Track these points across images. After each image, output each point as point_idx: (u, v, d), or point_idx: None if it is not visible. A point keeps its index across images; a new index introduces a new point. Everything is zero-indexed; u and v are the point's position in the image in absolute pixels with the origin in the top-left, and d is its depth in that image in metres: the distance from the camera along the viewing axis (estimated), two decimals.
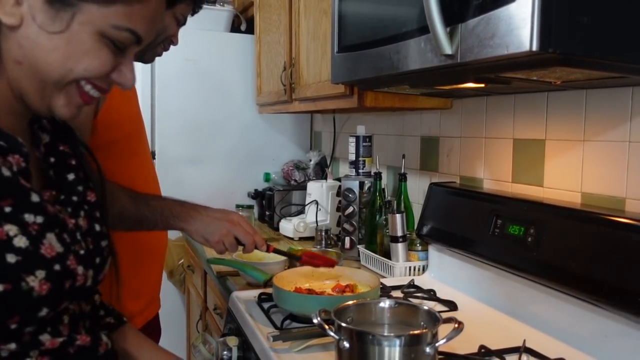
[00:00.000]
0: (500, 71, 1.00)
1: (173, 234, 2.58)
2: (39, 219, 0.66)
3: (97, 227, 0.80)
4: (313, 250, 1.77)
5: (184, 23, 1.45)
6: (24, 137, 0.73)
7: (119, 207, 1.20)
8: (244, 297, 1.43)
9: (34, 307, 0.64)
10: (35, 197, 0.66)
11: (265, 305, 1.35)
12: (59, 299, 0.67)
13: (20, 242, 0.63)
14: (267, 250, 1.32)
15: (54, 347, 0.68)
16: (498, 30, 0.85)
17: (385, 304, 1.00)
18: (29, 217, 0.65)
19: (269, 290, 1.40)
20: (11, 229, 0.62)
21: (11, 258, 0.61)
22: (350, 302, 0.98)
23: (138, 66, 2.51)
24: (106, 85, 0.72)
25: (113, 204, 1.17)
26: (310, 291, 1.36)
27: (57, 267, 0.66)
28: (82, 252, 0.72)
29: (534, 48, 0.79)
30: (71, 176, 0.80)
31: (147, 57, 1.41)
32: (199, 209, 1.30)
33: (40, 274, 0.63)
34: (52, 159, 0.78)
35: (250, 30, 2.70)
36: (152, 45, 1.37)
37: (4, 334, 0.63)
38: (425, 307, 0.95)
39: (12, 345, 0.64)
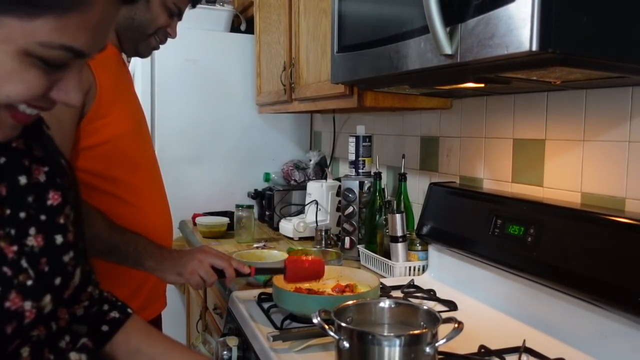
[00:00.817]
0: (500, 71, 1.00)
1: (173, 234, 2.58)
2: None
3: (59, 240, 0.69)
4: (313, 250, 1.77)
5: (179, 14, 1.39)
6: None
7: (94, 231, 1.12)
8: (244, 297, 1.43)
9: None
10: None
11: (265, 305, 1.35)
12: (4, 344, 0.60)
13: None
14: (250, 274, 1.29)
15: None
16: (498, 30, 0.85)
17: (385, 304, 1.00)
18: None
19: (268, 290, 1.40)
20: None
21: None
22: (350, 302, 0.98)
23: (138, 67, 2.51)
24: (46, 103, 0.59)
25: (89, 226, 1.04)
26: (310, 291, 1.36)
27: None
28: (29, 282, 0.62)
29: (534, 48, 0.79)
30: (23, 179, 0.68)
31: (141, 50, 1.39)
32: (172, 251, 1.28)
33: None
34: (3, 159, 0.67)
35: (250, 30, 2.70)
36: (142, 38, 1.36)
37: None
38: (425, 307, 0.95)
39: None
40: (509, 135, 1.46)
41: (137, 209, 1.36)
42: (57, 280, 0.67)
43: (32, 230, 0.66)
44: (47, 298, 0.65)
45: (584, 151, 1.23)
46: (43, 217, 0.68)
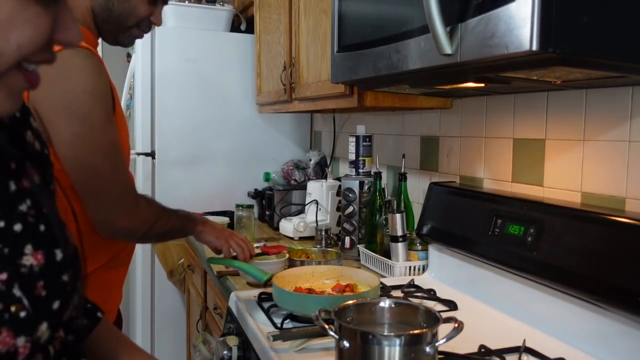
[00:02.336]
0: (500, 71, 1.00)
1: None
2: None
3: (59, 255, 0.60)
4: (313, 250, 1.77)
5: (156, 3, 1.33)
6: None
7: (170, 225, 1.32)
8: (244, 297, 1.43)
9: None
10: None
11: (265, 305, 1.35)
12: None
13: None
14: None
15: None
16: (498, 30, 0.85)
17: (385, 303, 0.99)
18: None
19: (269, 290, 1.40)
20: None
21: None
22: (350, 302, 0.98)
23: (138, 66, 2.51)
24: (50, 54, 0.53)
25: (167, 223, 1.32)
26: (310, 291, 1.36)
27: None
28: (22, 314, 0.54)
29: (534, 48, 0.79)
30: (12, 186, 0.58)
31: (121, 40, 1.34)
32: (205, 218, 1.51)
33: None
34: None
35: (250, 29, 2.70)
36: (121, 29, 1.30)
37: None
38: (425, 307, 0.95)
39: None
40: (509, 135, 1.46)
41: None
42: (56, 305, 0.59)
43: (28, 248, 0.57)
44: (44, 326, 0.57)
45: (584, 151, 1.23)
46: (42, 228, 0.60)
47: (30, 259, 0.57)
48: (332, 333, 0.88)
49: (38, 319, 0.56)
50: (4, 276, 0.54)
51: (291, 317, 1.26)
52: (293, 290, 1.35)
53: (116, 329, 0.90)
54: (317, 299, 1.25)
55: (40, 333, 0.57)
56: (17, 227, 0.57)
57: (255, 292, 1.44)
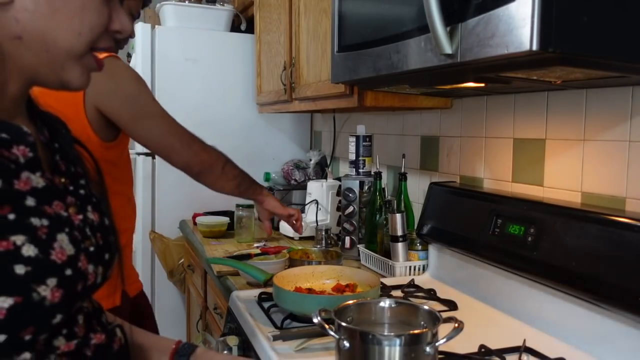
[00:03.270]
0: (500, 71, 1.00)
1: (172, 233, 2.58)
2: (45, 222, 0.62)
3: (106, 221, 0.76)
4: (313, 250, 1.77)
5: (138, 17, 1.63)
6: (25, 122, 0.70)
7: (241, 173, 1.61)
8: (244, 297, 1.43)
9: (47, 316, 0.61)
10: (31, 201, 0.62)
11: (266, 305, 1.35)
12: (72, 303, 0.64)
13: (29, 250, 0.59)
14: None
15: (69, 349, 0.66)
16: (498, 29, 0.85)
17: (386, 303, 0.99)
18: (35, 222, 0.61)
19: (269, 289, 1.40)
20: (18, 238, 0.58)
21: (20, 269, 0.58)
22: (351, 302, 0.98)
23: (138, 66, 2.53)
24: (111, 42, 0.69)
25: (237, 168, 1.62)
26: (310, 291, 1.36)
27: (68, 271, 0.62)
28: (92, 248, 0.69)
29: (534, 48, 0.79)
30: (73, 169, 0.75)
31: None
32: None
33: (52, 281, 0.60)
34: (57, 145, 0.74)
35: (250, 29, 2.70)
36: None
37: (17, 345, 0.60)
38: (426, 307, 0.95)
39: (27, 355, 0.61)
40: (509, 135, 1.46)
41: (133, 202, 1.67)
42: (107, 256, 0.73)
43: (89, 207, 0.73)
44: (100, 269, 0.70)
45: (584, 151, 1.23)
46: (94, 200, 0.76)
47: (91, 215, 0.72)
48: (332, 333, 0.88)
49: (99, 259, 0.70)
50: (80, 216, 0.70)
51: (291, 317, 1.27)
52: (293, 290, 1.35)
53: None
54: (317, 299, 1.25)
55: (99, 272, 0.70)
56: (82, 191, 0.74)
57: (255, 292, 1.44)
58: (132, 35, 1.45)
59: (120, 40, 1.50)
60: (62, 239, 0.63)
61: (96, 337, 0.70)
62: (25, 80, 0.67)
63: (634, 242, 1.01)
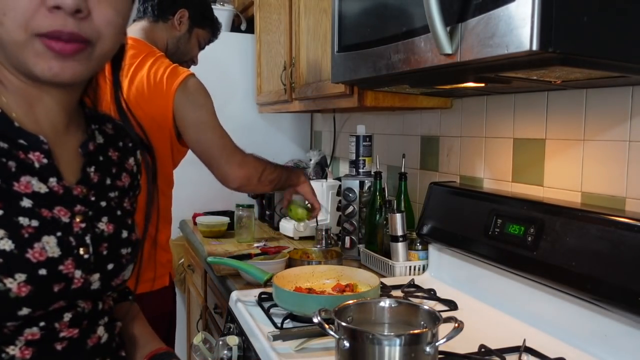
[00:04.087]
0: (500, 71, 1.00)
1: (172, 233, 2.58)
2: (34, 223, 0.66)
3: (124, 234, 0.79)
4: (313, 249, 1.77)
5: (203, 47, 1.91)
6: (67, 133, 0.74)
7: (278, 174, 1.70)
8: (244, 297, 1.43)
9: (11, 306, 0.64)
10: (27, 203, 0.66)
11: (266, 305, 1.35)
12: (45, 300, 0.67)
13: (5, 245, 0.63)
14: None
15: (34, 338, 0.68)
16: (498, 29, 0.85)
17: (386, 303, 1.00)
18: (23, 221, 0.65)
19: (269, 289, 1.40)
20: None
21: None
22: (350, 302, 0.98)
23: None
24: (61, 21, 0.62)
25: (274, 171, 1.69)
26: (310, 291, 1.36)
27: (42, 271, 0.66)
28: (86, 256, 0.72)
29: (534, 48, 0.79)
30: (108, 181, 0.80)
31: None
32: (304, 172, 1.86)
33: (20, 277, 0.64)
34: (101, 158, 0.80)
35: (250, 29, 2.70)
36: (180, 61, 1.78)
37: None
38: (426, 307, 0.95)
39: None
40: (509, 135, 1.46)
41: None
42: (110, 266, 0.76)
43: (105, 218, 0.76)
44: (96, 276, 0.73)
45: (584, 151, 1.24)
46: (119, 213, 0.79)
47: (104, 226, 0.76)
48: (332, 333, 0.88)
49: (95, 268, 0.72)
50: (84, 225, 0.72)
51: (291, 316, 1.27)
52: (293, 290, 1.35)
53: (141, 317, 0.96)
54: (317, 299, 1.25)
55: (92, 279, 0.72)
56: (103, 203, 0.77)
57: (255, 292, 1.44)
58: (195, 63, 1.95)
59: (185, 64, 1.84)
60: (48, 241, 0.67)
61: (67, 332, 0.72)
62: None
63: (634, 242, 1.00)
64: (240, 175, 1.66)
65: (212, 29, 1.89)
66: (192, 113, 1.63)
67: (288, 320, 1.25)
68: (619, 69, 0.93)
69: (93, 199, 0.75)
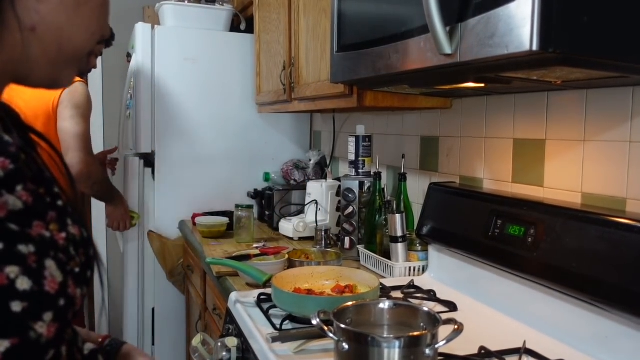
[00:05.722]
0: (500, 71, 1.00)
1: (172, 234, 2.58)
2: (32, 248, 0.56)
3: (85, 234, 0.68)
4: (313, 250, 1.77)
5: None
6: None
7: (107, 179, 2.24)
8: (243, 298, 1.43)
9: (41, 354, 0.55)
10: (13, 226, 0.55)
11: (265, 306, 1.34)
12: (63, 334, 0.59)
13: (24, 284, 0.53)
14: None
15: None
16: (498, 29, 0.85)
17: (385, 305, 0.99)
18: (23, 249, 0.55)
19: (268, 290, 1.39)
20: (12, 270, 0.52)
21: (16, 306, 0.52)
22: (350, 303, 0.98)
23: (139, 65, 2.55)
24: (101, 48, 0.72)
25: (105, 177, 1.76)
26: (309, 292, 1.36)
27: (62, 301, 0.57)
28: (77, 270, 0.63)
29: (534, 48, 0.79)
30: (47, 173, 0.67)
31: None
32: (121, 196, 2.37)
33: (48, 316, 0.55)
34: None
35: (249, 29, 2.70)
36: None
37: None
38: (425, 308, 0.95)
39: None
40: (509, 135, 1.46)
41: None
42: (89, 274, 0.66)
43: (69, 220, 0.64)
44: (85, 289, 0.64)
45: (585, 151, 1.23)
46: (70, 209, 0.67)
47: (72, 229, 0.64)
48: (331, 335, 0.88)
49: (83, 279, 0.63)
50: (63, 234, 0.61)
51: (290, 318, 1.26)
52: (292, 291, 1.35)
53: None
54: (317, 300, 1.24)
55: (83, 293, 0.63)
56: (60, 202, 0.64)
57: (254, 293, 1.43)
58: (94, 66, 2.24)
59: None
60: (50, 265, 0.57)
61: None
62: (11, 77, 0.62)
63: (635, 243, 1.00)
64: (79, 170, 2.09)
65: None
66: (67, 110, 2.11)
67: (287, 321, 1.25)
68: (620, 69, 0.93)
69: (49, 199, 0.64)
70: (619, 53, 0.85)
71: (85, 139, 2.12)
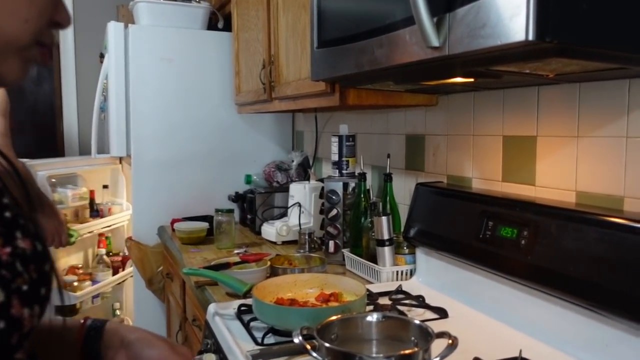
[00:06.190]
0: (491, 64, 0.93)
1: (151, 240, 2.48)
2: None
3: (39, 247, 0.63)
4: (296, 255, 1.70)
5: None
6: None
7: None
8: (223, 310, 1.35)
9: None
10: None
11: (246, 318, 1.26)
12: (5, 358, 0.55)
13: None
14: None
15: None
16: (489, 19, 0.79)
17: (373, 317, 0.92)
18: None
19: (249, 301, 1.32)
20: None
21: None
22: (334, 317, 0.91)
23: (112, 67, 2.47)
24: (53, 36, 0.64)
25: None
26: (292, 301, 1.29)
27: (1, 324, 0.52)
28: (25, 287, 0.57)
29: (530, 37, 0.73)
30: None
31: None
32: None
33: None
34: None
35: (227, 27, 2.62)
36: None
37: None
38: (417, 321, 0.88)
39: None
40: (499, 132, 1.40)
41: None
42: (43, 291, 0.61)
43: (18, 233, 0.60)
44: (37, 308, 0.59)
45: (579, 148, 1.17)
46: (22, 221, 0.62)
47: (21, 242, 0.59)
48: (314, 355, 0.80)
49: (34, 298, 0.58)
50: (8, 249, 0.57)
51: (273, 330, 1.18)
52: (275, 301, 1.28)
53: None
54: (299, 312, 1.17)
55: (35, 313, 0.58)
56: (7, 214, 0.60)
57: (234, 304, 1.35)
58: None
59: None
60: None
61: None
62: None
63: (635, 244, 0.94)
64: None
65: None
66: None
67: (270, 334, 1.17)
68: (620, 61, 0.87)
69: None
70: (620, 43, 0.79)
71: (8, 137, 2.07)
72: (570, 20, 0.75)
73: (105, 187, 3.11)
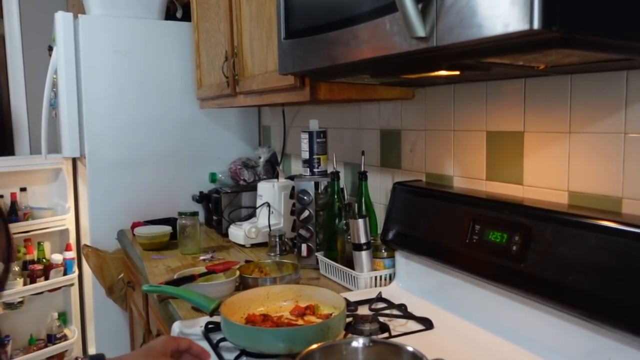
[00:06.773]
0: (483, 56, 0.83)
1: (110, 245, 2.33)
2: None
3: None
4: (267, 262, 1.58)
5: None
6: None
7: None
8: (188, 329, 1.23)
9: None
10: None
11: (214, 338, 1.15)
12: None
13: None
14: None
15: None
16: (484, 5, 0.69)
17: (359, 343, 0.82)
18: None
19: (217, 319, 1.20)
20: None
21: None
22: (315, 346, 0.80)
23: (61, 60, 2.28)
24: None
25: None
26: (265, 317, 1.18)
27: None
28: None
29: (535, 26, 0.63)
30: None
31: None
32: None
33: None
34: None
35: (187, 17, 2.46)
36: None
37: None
38: (410, 348, 0.78)
39: None
40: (482, 128, 1.31)
41: None
42: None
43: None
44: None
45: (571, 144, 1.09)
46: None
47: None
48: None
49: None
50: None
51: (246, 352, 1.07)
52: (245, 318, 1.17)
53: None
54: (273, 333, 1.05)
55: None
56: None
57: (202, 321, 1.24)
58: None
59: None
60: None
61: None
62: None
63: (634, 249, 0.87)
64: None
65: None
66: None
67: (243, 357, 1.06)
68: (626, 51, 0.78)
69: None
70: (630, 32, 0.70)
71: None
72: (579, 7, 0.65)
73: (23, 189, 2.91)
